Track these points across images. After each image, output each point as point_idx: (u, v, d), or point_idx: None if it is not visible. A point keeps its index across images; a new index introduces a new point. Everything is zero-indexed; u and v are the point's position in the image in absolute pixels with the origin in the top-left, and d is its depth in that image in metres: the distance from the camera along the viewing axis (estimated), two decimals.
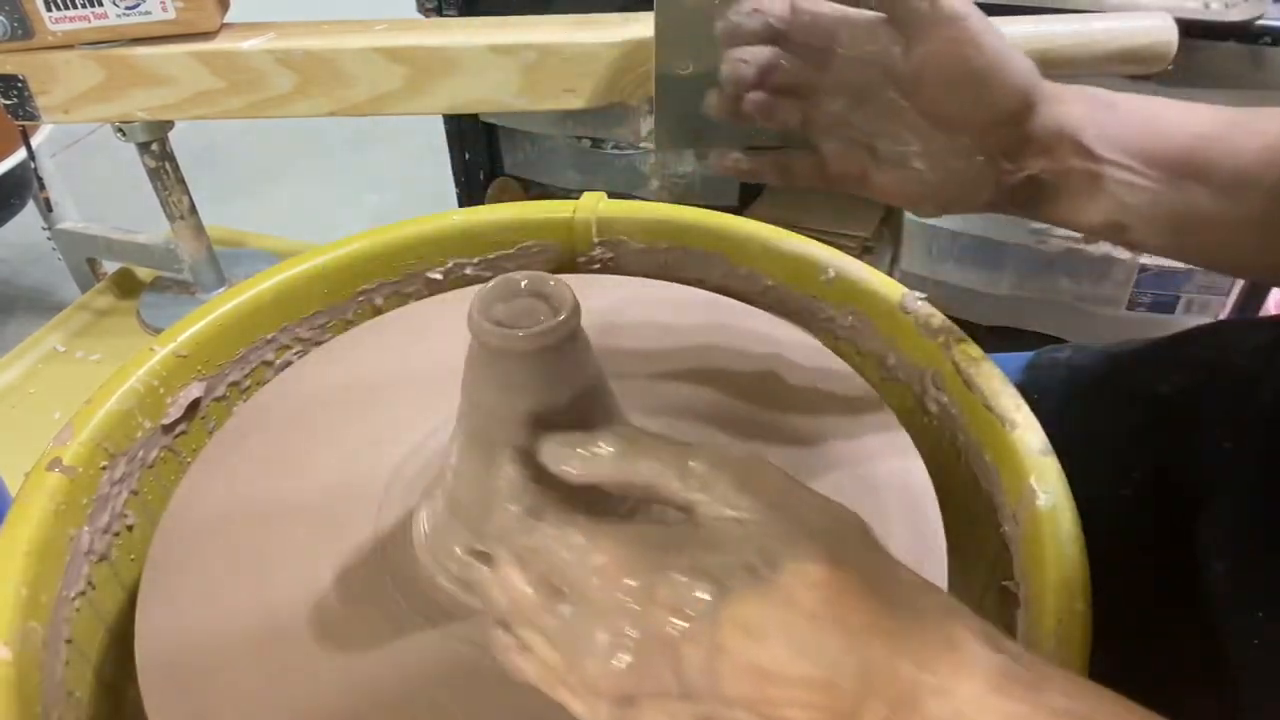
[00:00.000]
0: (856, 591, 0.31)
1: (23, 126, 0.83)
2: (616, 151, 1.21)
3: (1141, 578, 0.58)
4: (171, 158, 0.89)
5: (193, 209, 0.93)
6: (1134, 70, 0.75)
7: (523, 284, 0.44)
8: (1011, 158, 0.50)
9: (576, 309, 0.42)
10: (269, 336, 0.65)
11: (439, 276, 0.71)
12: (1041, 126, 0.49)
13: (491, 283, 0.43)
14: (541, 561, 0.35)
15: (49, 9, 0.71)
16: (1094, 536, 0.59)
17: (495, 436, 0.45)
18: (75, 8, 0.71)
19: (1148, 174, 0.48)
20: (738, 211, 1.11)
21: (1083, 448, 0.60)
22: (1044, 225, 0.97)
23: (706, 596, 0.31)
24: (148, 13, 0.72)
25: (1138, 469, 0.59)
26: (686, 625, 0.31)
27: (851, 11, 0.51)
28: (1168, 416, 0.59)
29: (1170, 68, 0.74)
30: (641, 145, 1.18)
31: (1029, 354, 0.68)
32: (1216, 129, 0.48)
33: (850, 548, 0.33)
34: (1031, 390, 0.61)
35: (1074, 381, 0.64)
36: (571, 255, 0.72)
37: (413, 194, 1.82)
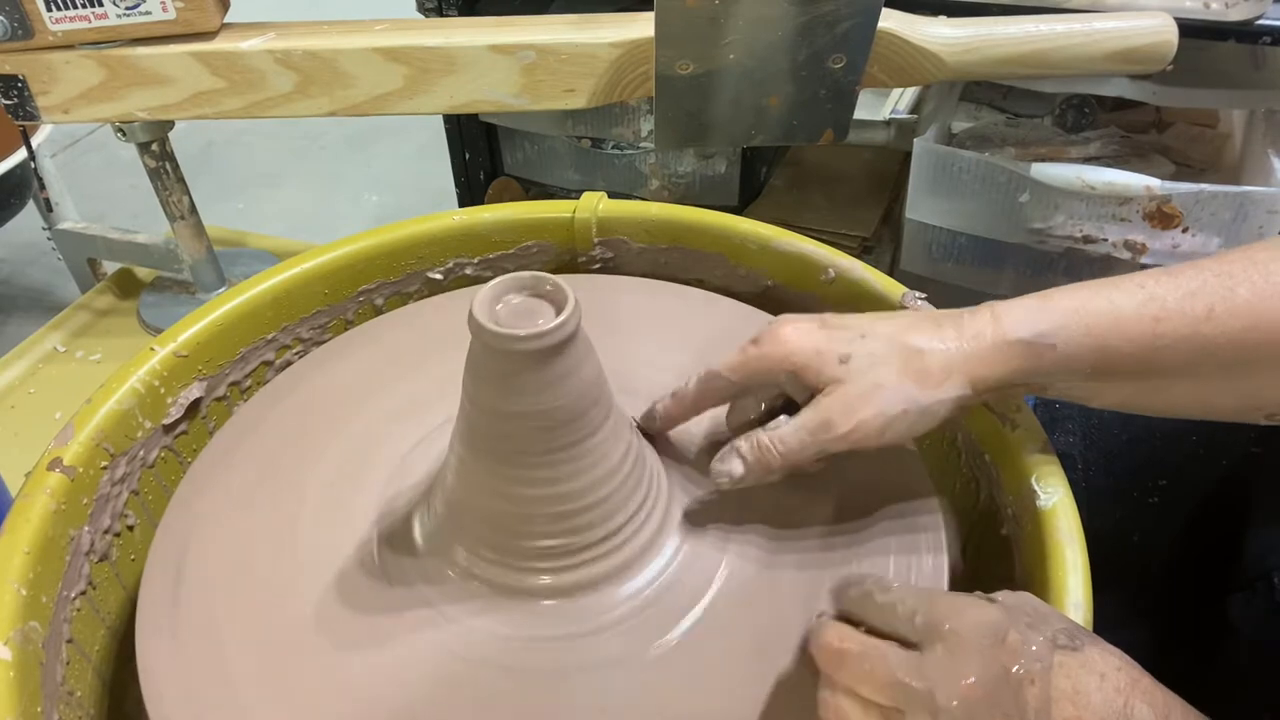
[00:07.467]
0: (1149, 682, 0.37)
1: (23, 126, 0.83)
2: (616, 151, 1.20)
3: (1176, 586, 0.58)
4: (171, 158, 0.89)
5: (193, 209, 0.93)
6: (1134, 70, 0.75)
7: (523, 284, 0.44)
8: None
9: (576, 309, 0.42)
10: (269, 336, 0.65)
11: (439, 276, 0.71)
12: (985, 396, 0.48)
13: (492, 283, 0.43)
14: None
15: (49, 9, 0.71)
16: (1123, 545, 0.58)
17: (496, 437, 0.45)
18: (75, 8, 0.71)
19: (1105, 388, 0.47)
20: (738, 211, 1.12)
21: (1108, 458, 0.60)
22: (1044, 225, 0.97)
23: (1041, 640, 0.37)
24: (148, 13, 0.72)
25: (1164, 476, 0.59)
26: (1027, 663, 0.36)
27: None
28: (1192, 425, 0.59)
29: (1170, 68, 0.74)
30: (641, 145, 1.18)
31: None
32: (1168, 315, 0.44)
33: None
34: (1054, 401, 0.60)
35: None
36: (571, 255, 0.72)
37: (413, 194, 1.82)
